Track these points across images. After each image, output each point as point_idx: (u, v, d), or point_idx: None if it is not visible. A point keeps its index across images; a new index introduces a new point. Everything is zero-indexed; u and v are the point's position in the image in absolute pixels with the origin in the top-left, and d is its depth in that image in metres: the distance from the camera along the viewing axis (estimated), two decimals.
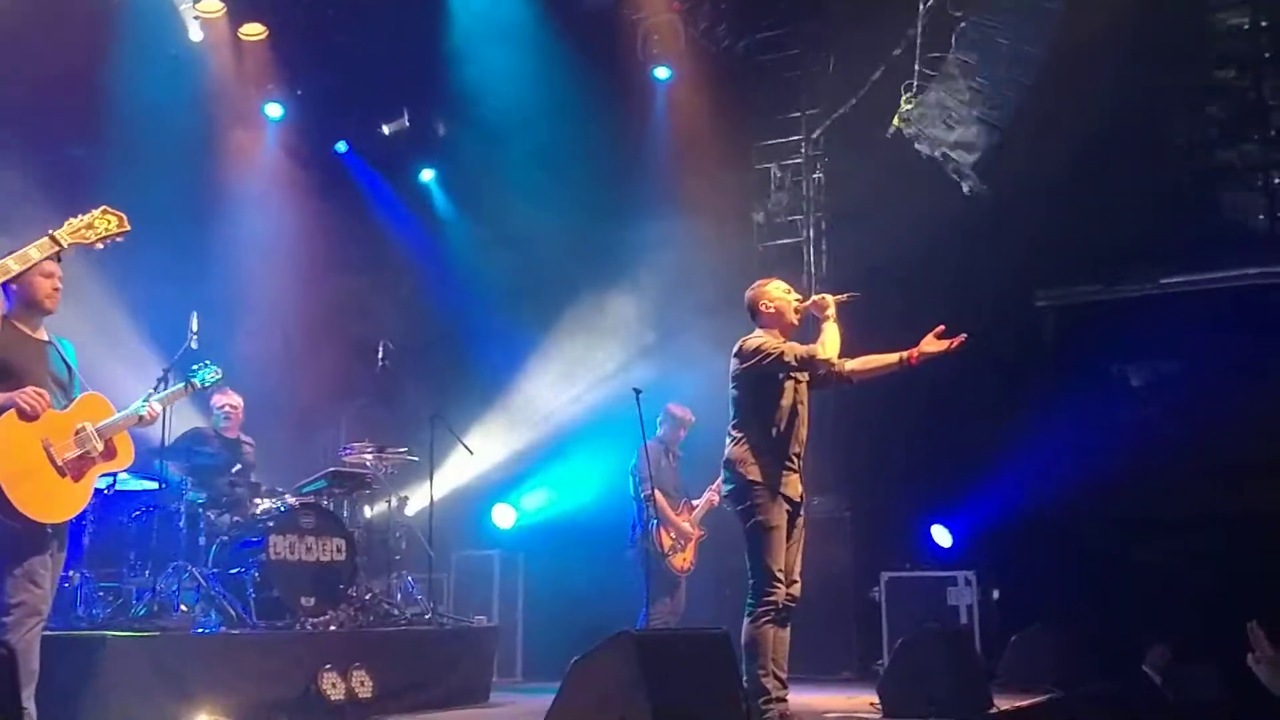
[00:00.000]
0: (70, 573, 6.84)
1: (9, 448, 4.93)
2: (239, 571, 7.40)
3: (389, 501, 9.22)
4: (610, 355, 10.46)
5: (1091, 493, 9.02)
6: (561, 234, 10.62)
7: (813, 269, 10.76)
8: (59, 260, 5.00)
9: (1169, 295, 9.77)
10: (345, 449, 9.02)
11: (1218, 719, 6.73)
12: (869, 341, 6.35)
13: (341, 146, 11.45)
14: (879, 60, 10.16)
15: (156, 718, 6.08)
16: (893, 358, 6.17)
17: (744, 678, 5.80)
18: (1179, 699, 7.19)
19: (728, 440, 6.19)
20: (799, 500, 6.12)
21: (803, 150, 11.01)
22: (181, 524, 7.44)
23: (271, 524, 7.57)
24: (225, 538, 7.65)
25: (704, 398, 8.54)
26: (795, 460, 6.11)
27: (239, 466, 8.19)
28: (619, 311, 10.54)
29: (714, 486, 8.24)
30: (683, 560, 8.67)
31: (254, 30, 10.20)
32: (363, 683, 6.89)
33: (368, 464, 8.86)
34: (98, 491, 6.97)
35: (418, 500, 9.51)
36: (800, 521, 6.14)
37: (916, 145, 9.80)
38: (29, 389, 5.00)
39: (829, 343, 6.03)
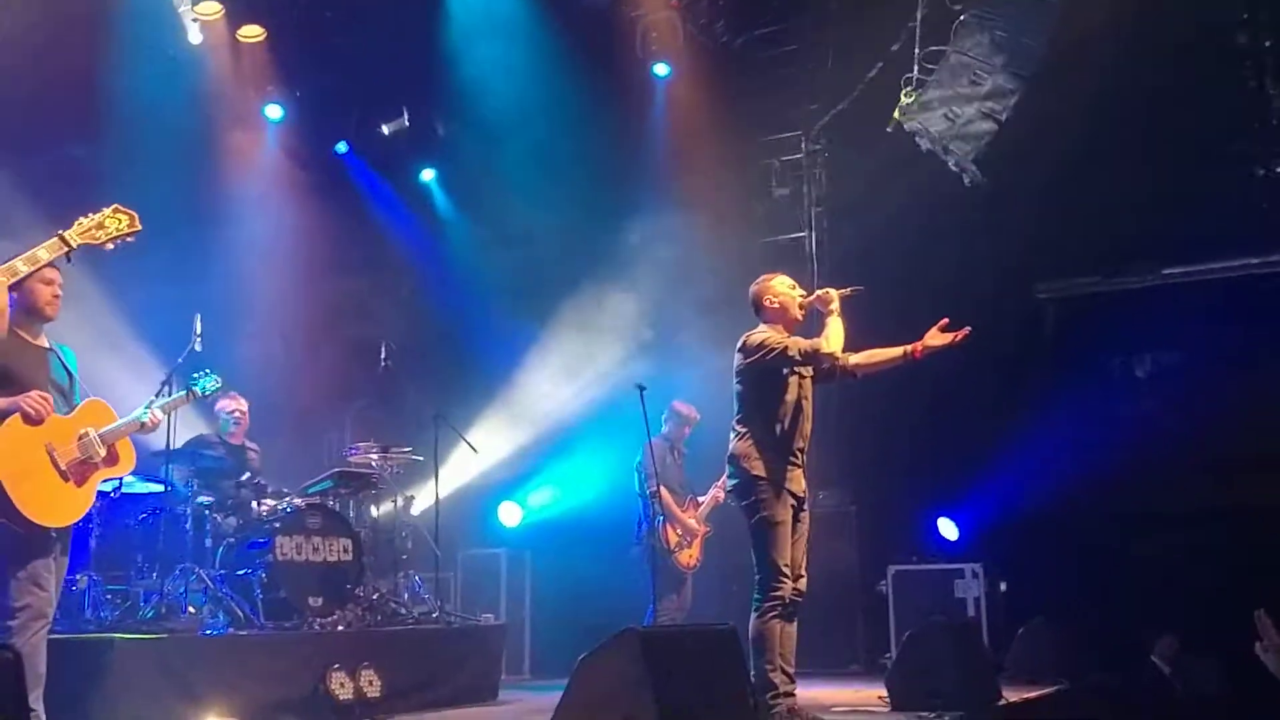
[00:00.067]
0: (78, 576, 6.87)
1: (13, 451, 4.95)
2: (246, 573, 7.41)
3: (395, 501, 9.23)
4: (612, 352, 10.45)
5: (1096, 484, 9.01)
6: (562, 232, 10.62)
7: (814, 264, 10.76)
8: (69, 260, 4.98)
9: (1170, 287, 9.76)
10: (350, 449, 9.04)
11: (1225, 709, 6.73)
12: (871, 335, 6.35)
13: (342, 147, 11.45)
14: (878, 54, 10.15)
15: (165, 719, 6.09)
16: (896, 351, 6.18)
17: (751, 673, 5.81)
18: (1186, 689, 7.19)
19: (732, 435, 6.20)
20: (803, 495, 6.13)
21: (803, 145, 11.01)
22: (188, 526, 7.46)
23: (278, 525, 7.58)
24: (232, 539, 7.66)
25: (707, 394, 8.55)
26: (799, 455, 6.12)
27: (246, 474, 8.20)
28: (621, 308, 10.54)
29: (719, 483, 8.24)
30: (689, 557, 8.68)
31: (252, 32, 10.19)
32: (371, 682, 6.89)
33: (373, 464, 8.88)
34: (104, 494, 7.06)
35: (423, 500, 9.52)
36: (805, 516, 6.15)
37: (916, 139, 9.79)
38: (34, 393, 5.02)
39: (833, 337, 6.03)
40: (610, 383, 10.07)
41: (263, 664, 6.73)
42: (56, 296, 5.25)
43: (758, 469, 6.01)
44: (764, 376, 6.10)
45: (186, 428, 8.35)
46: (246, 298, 10.10)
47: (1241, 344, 9.29)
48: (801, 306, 6.23)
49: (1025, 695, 7.15)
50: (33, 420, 5.02)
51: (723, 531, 8.65)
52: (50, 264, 4.96)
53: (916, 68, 9.76)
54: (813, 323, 6.29)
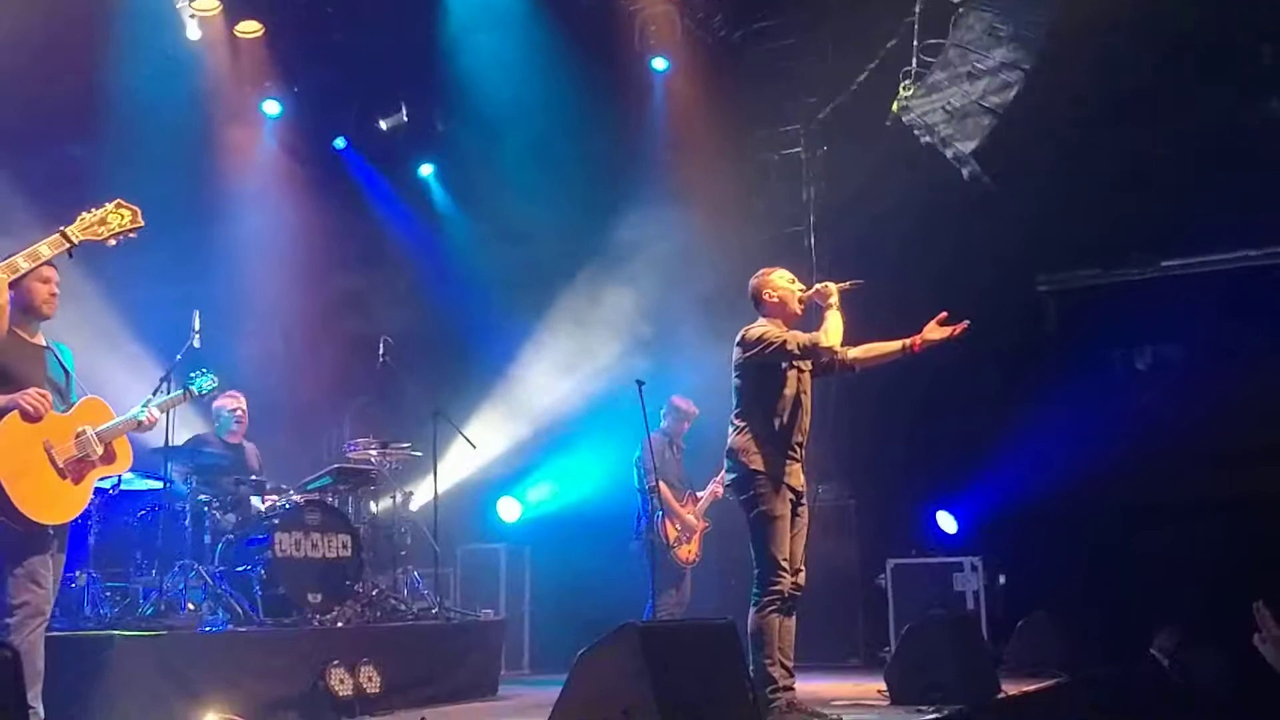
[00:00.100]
0: (77, 573, 6.87)
1: (11, 448, 4.96)
2: (245, 569, 7.40)
3: (394, 497, 9.23)
4: (611, 347, 10.45)
5: (1095, 477, 9.01)
6: (560, 227, 10.62)
7: (813, 257, 10.75)
8: (71, 255, 4.96)
9: (1171, 278, 9.77)
10: (349, 445, 9.04)
11: (1224, 701, 6.73)
12: (870, 329, 6.35)
13: (340, 143, 11.44)
14: (877, 47, 10.13)
15: (165, 716, 6.08)
16: (895, 345, 6.18)
17: (750, 668, 5.81)
18: (1186, 681, 7.19)
19: (730, 430, 6.20)
20: (802, 489, 6.14)
21: (801, 139, 11.00)
22: (187, 523, 7.45)
23: (277, 521, 7.58)
24: (231, 536, 7.65)
25: (706, 388, 8.55)
26: (798, 449, 6.12)
27: (251, 475, 8.20)
28: (619, 303, 10.54)
29: (718, 478, 8.25)
30: (688, 552, 8.68)
31: (250, 28, 10.18)
32: (370, 678, 6.89)
33: (372, 460, 8.88)
34: (103, 491, 7.06)
35: (422, 495, 9.52)
36: (804, 510, 6.15)
37: (916, 132, 9.79)
38: (32, 390, 5.04)
39: (832, 331, 6.03)
40: (609, 378, 10.07)
41: (262, 660, 6.72)
42: (54, 295, 5.26)
43: (756, 463, 6.01)
44: (763, 371, 6.10)
45: (185, 426, 8.35)
46: (245, 294, 10.09)
47: (1242, 336, 9.29)
48: (801, 300, 6.23)
49: (1024, 688, 7.15)
50: (31, 417, 5.02)
51: (721, 526, 8.66)
52: (49, 261, 4.95)
53: (915, 60, 9.76)
54: (812, 317, 6.29)
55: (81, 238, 4.91)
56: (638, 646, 5.10)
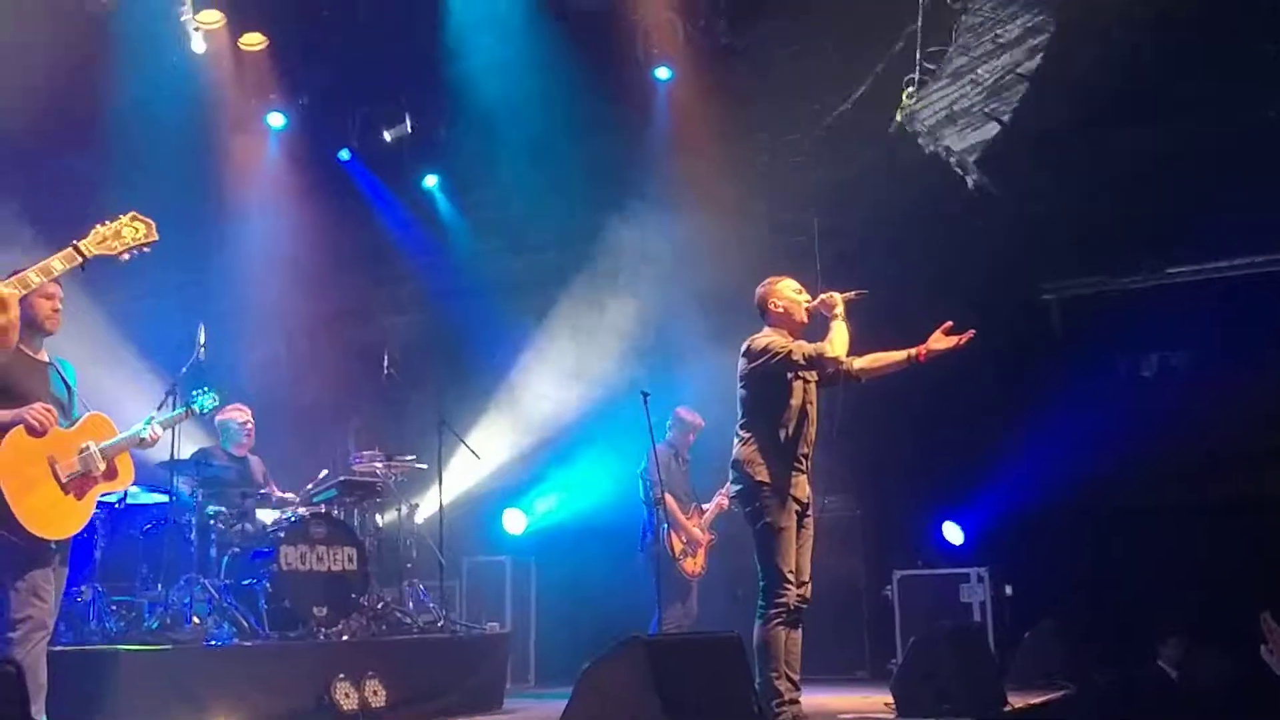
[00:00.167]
0: (82, 587, 6.87)
1: (16, 463, 4.96)
2: (251, 583, 7.40)
3: (399, 509, 9.23)
4: (616, 358, 10.44)
5: (1102, 487, 9.00)
6: (565, 237, 10.64)
7: (817, 265, 10.73)
8: (83, 270, 4.93)
9: (1176, 285, 9.75)
10: (354, 458, 9.03)
11: (1231, 711, 6.70)
12: (876, 338, 6.33)
13: (344, 154, 11.46)
14: (880, 54, 10.13)
15: None
16: (901, 355, 6.16)
17: (757, 681, 5.79)
18: (1192, 691, 7.17)
19: (735, 441, 6.19)
20: (807, 501, 6.12)
21: (805, 146, 10.99)
22: (192, 536, 7.44)
23: (282, 534, 7.57)
24: (236, 549, 7.65)
25: (709, 398, 8.54)
26: (804, 461, 6.11)
27: (257, 488, 8.21)
28: (624, 314, 10.53)
29: (723, 490, 8.23)
30: (694, 565, 8.66)
31: (254, 40, 10.22)
32: (376, 692, 6.88)
33: (377, 472, 8.87)
34: (109, 506, 7.08)
35: (427, 507, 9.51)
36: (809, 522, 6.13)
37: (919, 139, 9.78)
38: (38, 405, 5.04)
39: (837, 341, 6.02)
40: (613, 388, 10.06)
41: (268, 674, 6.72)
42: (57, 310, 5.26)
43: (761, 475, 6.00)
44: (768, 381, 6.08)
45: (189, 440, 8.36)
46: (250, 305, 10.12)
47: (1249, 341, 9.27)
48: (807, 311, 6.22)
49: (1031, 700, 7.13)
50: (37, 432, 5.03)
51: (728, 537, 8.64)
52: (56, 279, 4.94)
53: (918, 68, 9.76)
54: (817, 327, 6.27)
55: (95, 252, 4.88)
56: (644, 660, 5.10)
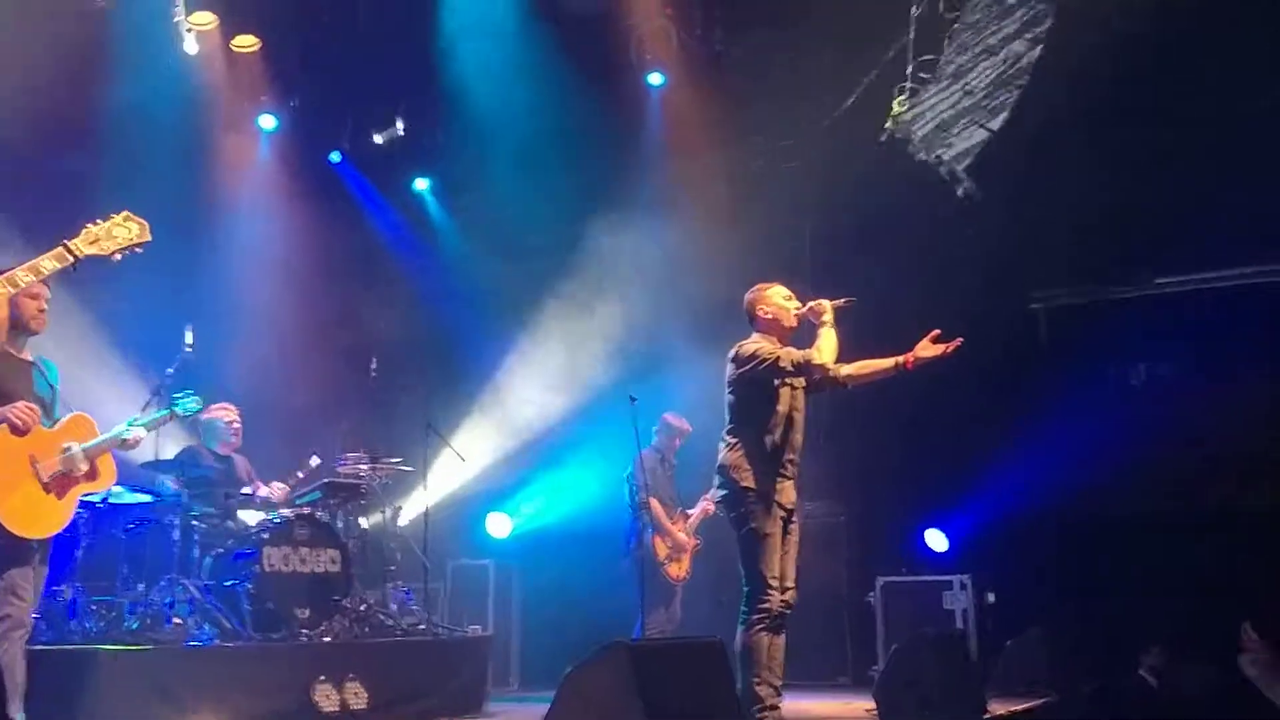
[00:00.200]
0: (63, 586, 6.84)
1: None
2: (233, 583, 7.38)
3: (383, 512, 9.21)
4: (603, 362, 10.45)
5: (1086, 496, 9.01)
6: (555, 241, 10.64)
7: (808, 273, 10.75)
8: (74, 270, 4.91)
9: (1164, 296, 9.77)
10: (339, 460, 9.01)
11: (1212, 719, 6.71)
12: (864, 345, 6.35)
13: (335, 157, 11.46)
14: (872, 63, 10.16)
15: None
16: (889, 362, 6.17)
17: (739, 686, 5.79)
18: (1174, 701, 7.17)
19: (722, 446, 6.19)
20: (793, 507, 6.12)
21: (796, 153, 11.00)
22: (175, 536, 7.41)
23: (266, 535, 7.55)
24: (219, 550, 7.63)
25: (697, 403, 8.55)
26: (790, 466, 6.11)
27: (241, 488, 8.20)
28: (612, 319, 10.54)
29: (709, 495, 8.23)
30: (678, 569, 8.66)
31: (246, 41, 10.21)
32: (357, 694, 6.88)
33: (362, 474, 8.86)
34: (91, 505, 7.05)
35: (412, 510, 9.50)
36: (794, 528, 6.13)
37: (910, 148, 9.81)
38: (21, 404, 5.03)
39: (825, 348, 6.03)
40: (600, 392, 10.07)
41: (249, 675, 6.71)
42: (42, 310, 5.24)
43: (747, 480, 6.00)
44: (755, 387, 6.09)
45: (173, 440, 8.34)
46: (239, 306, 10.10)
47: (1234, 353, 9.29)
48: (796, 317, 6.23)
49: (1013, 707, 7.14)
50: (19, 431, 5.01)
51: (712, 543, 8.63)
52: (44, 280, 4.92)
53: (910, 77, 9.78)
54: (806, 333, 6.28)
55: (86, 252, 4.86)
56: (626, 664, 5.10)
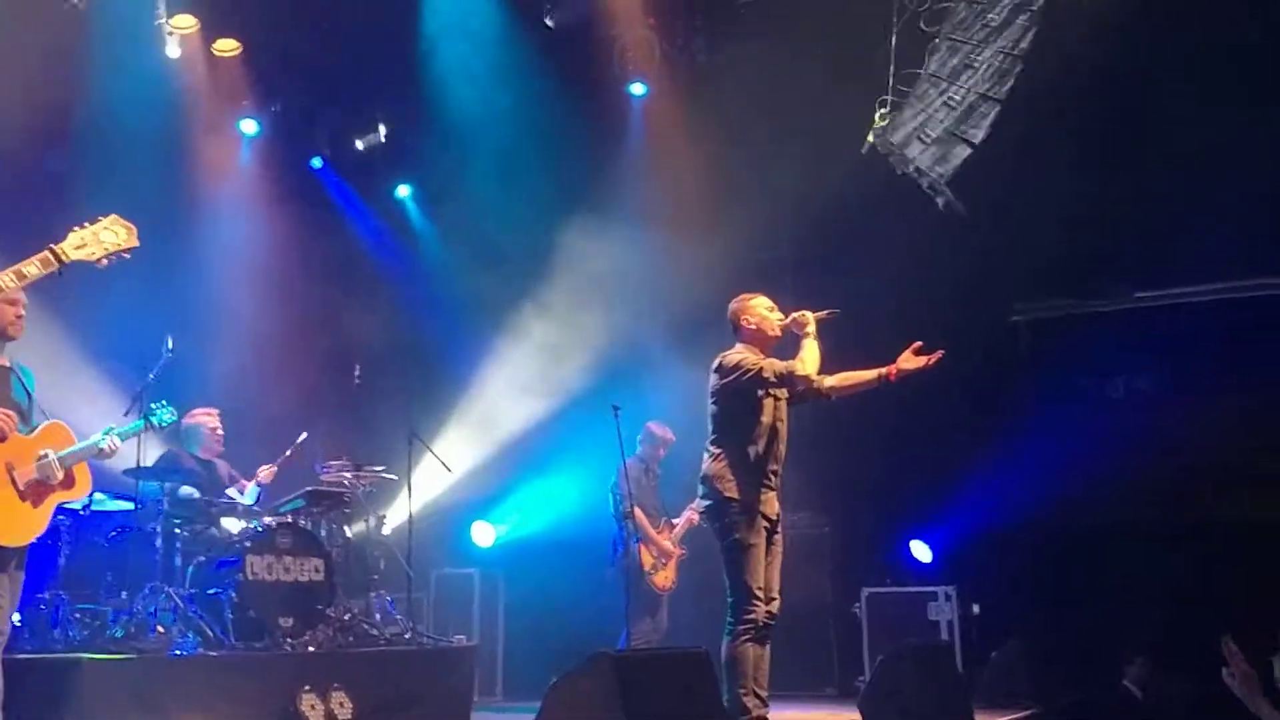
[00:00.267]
0: (46, 594, 6.80)
1: None
2: (216, 592, 7.34)
3: (367, 520, 9.18)
4: (587, 372, 10.44)
5: (1069, 507, 9.06)
6: (537, 249, 10.64)
7: (790, 284, 10.76)
8: (60, 275, 4.86)
9: (1144, 309, 9.84)
10: (322, 468, 8.97)
11: None
12: (846, 356, 6.37)
13: (317, 162, 11.43)
14: (853, 76, 10.19)
15: None
16: (871, 374, 6.19)
17: (725, 697, 5.80)
18: (1157, 712, 7.22)
19: (705, 456, 6.21)
20: (776, 517, 6.14)
21: (778, 164, 11.01)
22: (158, 544, 7.35)
23: (249, 544, 7.51)
24: (202, 558, 7.58)
25: (679, 412, 8.56)
26: (773, 478, 6.13)
27: (223, 493, 8.16)
28: (596, 328, 10.53)
29: (693, 505, 8.23)
30: (664, 579, 8.67)
31: (228, 46, 10.17)
32: (342, 703, 6.83)
33: (345, 483, 8.82)
34: (74, 512, 7.01)
35: (396, 518, 9.47)
36: (778, 539, 6.15)
37: (891, 161, 9.85)
38: None
39: (808, 359, 6.05)
40: (584, 401, 10.06)
41: (233, 684, 6.66)
42: (20, 317, 5.19)
43: (730, 491, 6.02)
44: (739, 398, 6.11)
45: (155, 446, 8.29)
46: (220, 311, 10.05)
47: (1213, 366, 9.37)
48: (779, 328, 6.24)
49: (998, 719, 7.16)
50: None
51: (697, 553, 8.64)
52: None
53: (891, 90, 9.82)
54: (788, 345, 6.30)
55: (73, 257, 4.81)
56: (611, 674, 5.10)
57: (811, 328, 6.14)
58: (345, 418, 10.22)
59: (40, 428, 5.22)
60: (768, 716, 5.96)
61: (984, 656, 8.84)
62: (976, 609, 9.29)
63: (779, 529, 6.17)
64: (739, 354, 6.17)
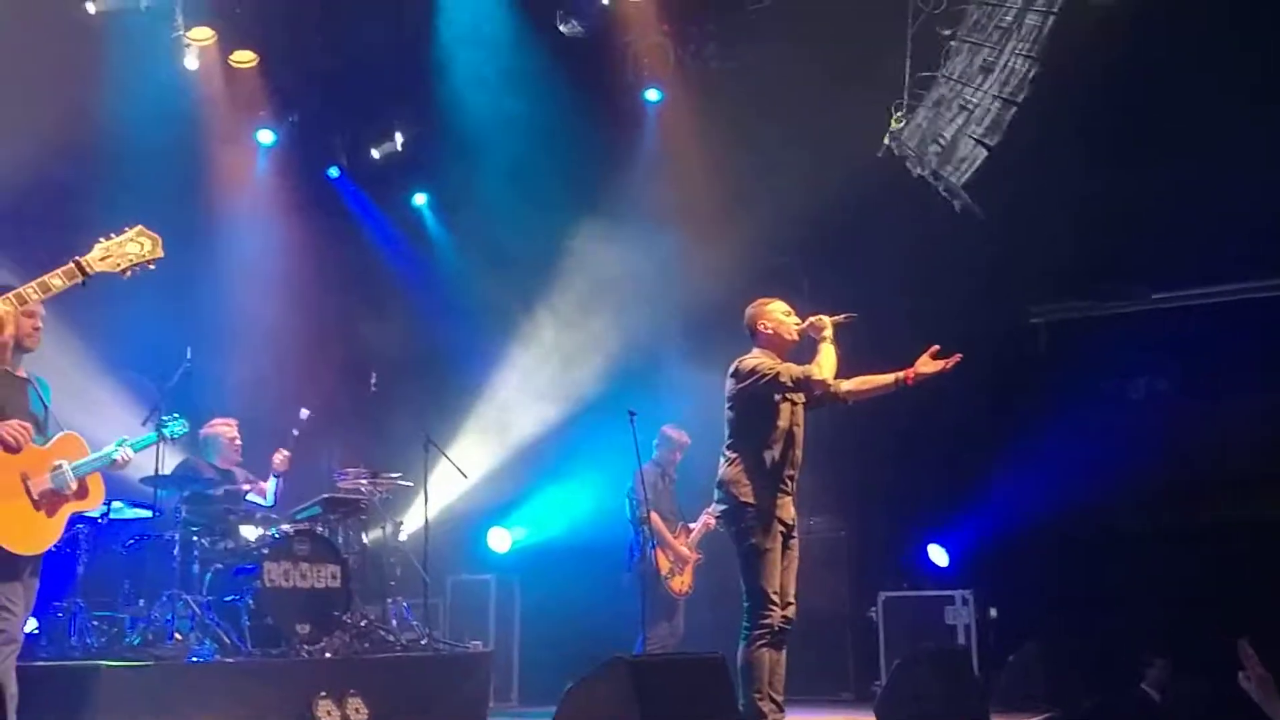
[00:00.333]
0: (64, 602, 6.84)
1: None
2: (234, 599, 7.37)
3: (383, 527, 9.20)
4: (603, 377, 10.45)
5: (1087, 510, 9.02)
6: (553, 256, 10.65)
7: (805, 288, 10.75)
8: (84, 286, 4.87)
9: (1163, 310, 9.79)
10: (339, 475, 9.00)
11: None
12: (862, 360, 6.36)
13: (333, 171, 11.48)
14: (869, 80, 10.17)
15: None
16: (889, 378, 6.18)
17: (740, 702, 5.79)
18: (1176, 715, 7.17)
19: (722, 461, 6.20)
20: (793, 523, 6.12)
21: (793, 168, 11.01)
22: (175, 552, 7.39)
23: (266, 551, 7.55)
24: (219, 565, 7.62)
25: (694, 417, 8.55)
26: (789, 482, 6.12)
27: (241, 501, 8.20)
28: (612, 333, 10.54)
29: (710, 509, 8.22)
30: (681, 583, 8.66)
31: (245, 57, 10.22)
32: (358, 710, 6.86)
33: (362, 489, 8.85)
34: (92, 520, 7.06)
35: (412, 525, 9.49)
36: (794, 544, 6.14)
37: (907, 164, 9.83)
38: (13, 421, 5.01)
39: (825, 364, 6.04)
40: (599, 406, 10.06)
41: (250, 691, 6.70)
42: (38, 329, 5.21)
43: (746, 496, 6.01)
44: (756, 402, 6.10)
45: (174, 455, 8.32)
46: (238, 321, 10.09)
47: (1233, 368, 9.31)
48: (796, 332, 6.24)
49: None
50: (11, 449, 5.00)
51: (713, 558, 8.63)
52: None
53: (906, 93, 9.81)
54: (805, 349, 6.29)
55: (98, 269, 4.82)
56: (627, 679, 5.12)
57: (828, 332, 6.12)
58: (362, 425, 10.26)
59: (55, 439, 5.25)
60: None
61: (1001, 660, 8.81)
62: (994, 613, 9.25)
63: (795, 534, 6.15)
64: (756, 359, 6.16)
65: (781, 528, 6.03)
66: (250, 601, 7.31)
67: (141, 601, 7.21)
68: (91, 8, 9.11)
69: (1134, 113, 9.15)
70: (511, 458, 10.65)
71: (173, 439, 6.43)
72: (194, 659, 6.86)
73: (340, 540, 8.45)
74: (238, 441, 8.46)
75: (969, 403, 9.05)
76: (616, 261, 10.48)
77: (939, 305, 9.30)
